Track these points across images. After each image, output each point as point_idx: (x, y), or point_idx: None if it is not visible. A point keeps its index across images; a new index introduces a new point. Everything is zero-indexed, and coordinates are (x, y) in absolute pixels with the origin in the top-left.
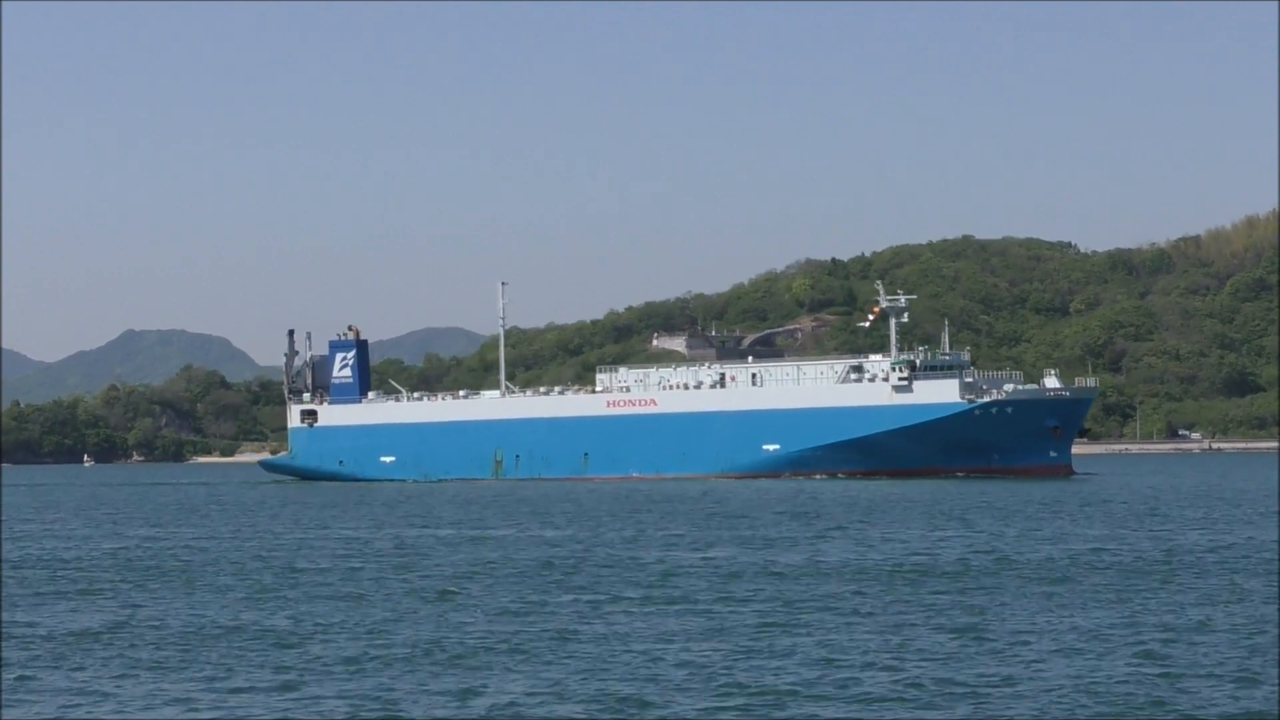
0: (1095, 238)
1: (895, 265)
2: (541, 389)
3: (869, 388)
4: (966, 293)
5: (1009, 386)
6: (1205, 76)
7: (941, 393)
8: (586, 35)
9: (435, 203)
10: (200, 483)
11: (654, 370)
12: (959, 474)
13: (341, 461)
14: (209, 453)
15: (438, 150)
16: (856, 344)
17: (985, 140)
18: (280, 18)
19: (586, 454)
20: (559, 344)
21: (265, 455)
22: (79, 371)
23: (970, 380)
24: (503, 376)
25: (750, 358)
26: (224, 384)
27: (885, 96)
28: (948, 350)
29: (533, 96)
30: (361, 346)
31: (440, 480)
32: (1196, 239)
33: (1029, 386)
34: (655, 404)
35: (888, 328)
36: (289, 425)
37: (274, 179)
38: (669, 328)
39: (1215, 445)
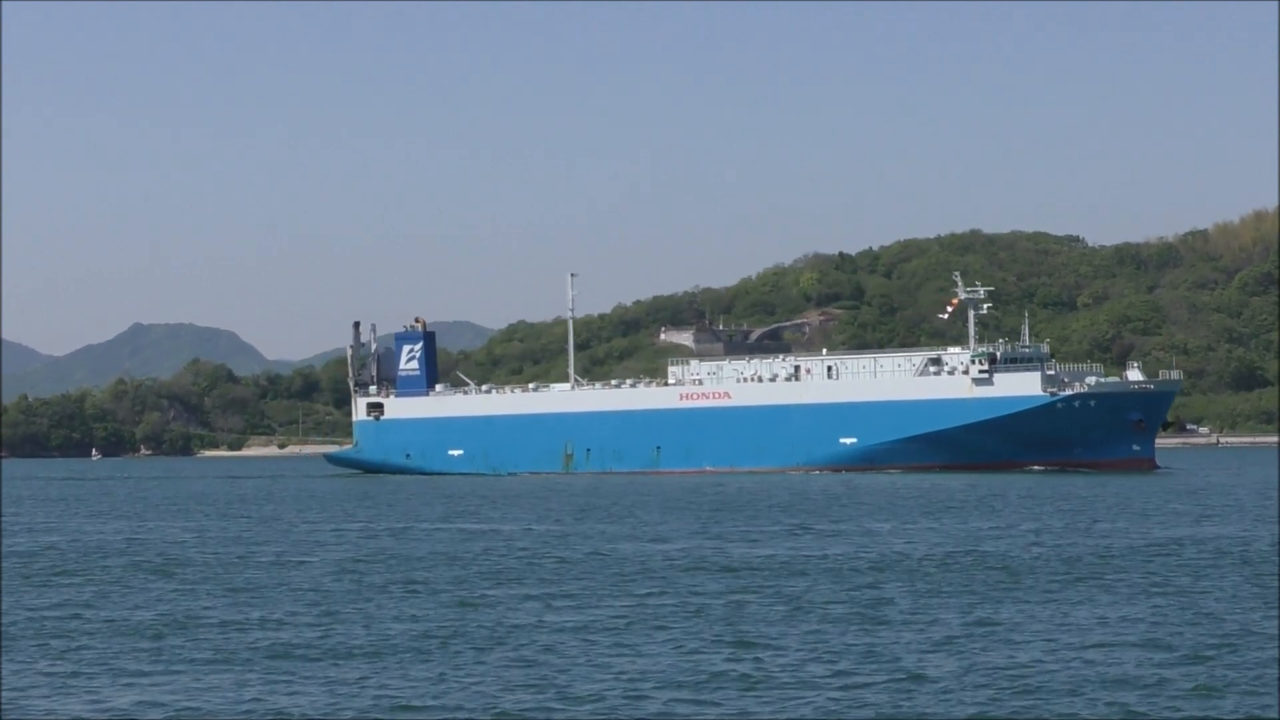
0: (1103, 232)
1: (903, 259)
2: (613, 381)
3: (948, 380)
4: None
5: (1091, 379)
6: (1213, 71)
7: (1023, 385)
8: (593, 31)
9: (438, 198)
10: (266, 476)
11: (727, 362)
12: (1038, 468)
13: (408, 455)
14: (217, 447)
15: (439, 146)
16: (864, 338)
17: (993, 134)
18: (281, 12)
19: (659, 447)
20: (566, 338)
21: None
22: (87, 365)
23: (1052, 373)
24: (571, 369)
25: (750, 355)
26: (232, 378)
27: (893, 90)
28: (1027, 342)
29: (541, 92)
30: (429, 338)
31: (509, 474)
32: (1204, 233)
33: (1111, 379)
34: (729, 397)
35: (965, 319)
36: (354, 418)
37: (280, 173)
38: (676, 322)
39: (1222, 440)
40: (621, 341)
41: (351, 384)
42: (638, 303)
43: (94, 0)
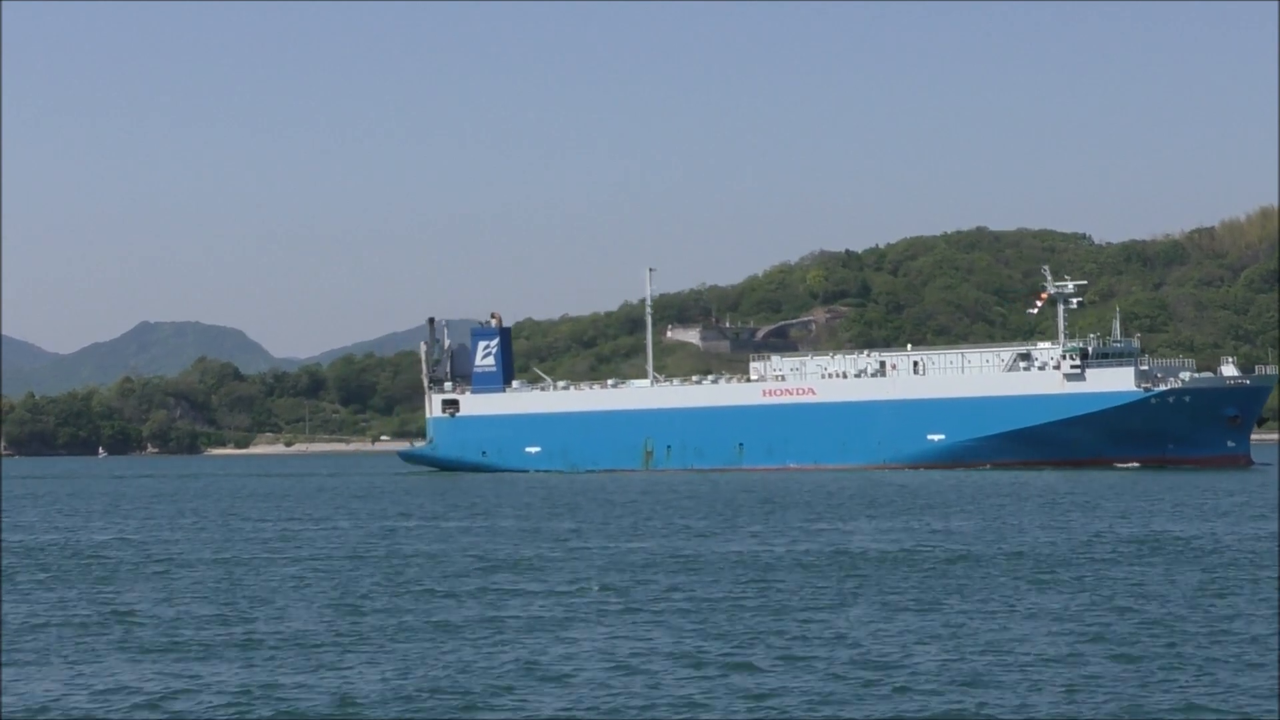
0: (1109, 229)
1: (909, 256)
2: (694, 377)
3: (1039, 376)
4: (981, 284)
5: (1185, 374)
6: (1219, 69)
7: (1117, 381)
8: (599, 29)
9: (439, 193)
10: (331, 474)
11: (810, 358)
12: (1134, 464)
13: (485, 452)
14: (224, 445)
15: (444, 138)
16: (870, 336)
17: (999, 132)
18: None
19: (741, 444)
20: (573, 336)
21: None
22: (93, 363)
23: (1145, 368)
24: (650, 365)
25: (755, 353)
26: (238, 376)
27: (899, 88)
28: (1119, 337)
29: (548, 88)
30: (505, 334)
31: (588, 471)
32: (1210, 230)
33: (1205, 374)
34: (814, 393)
35: (1055, 314)
36: (428, 415)
37: (286, 170)
38: (683, 319)
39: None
40: (628, 339)
41: (426, 380)
42: (643, 300)
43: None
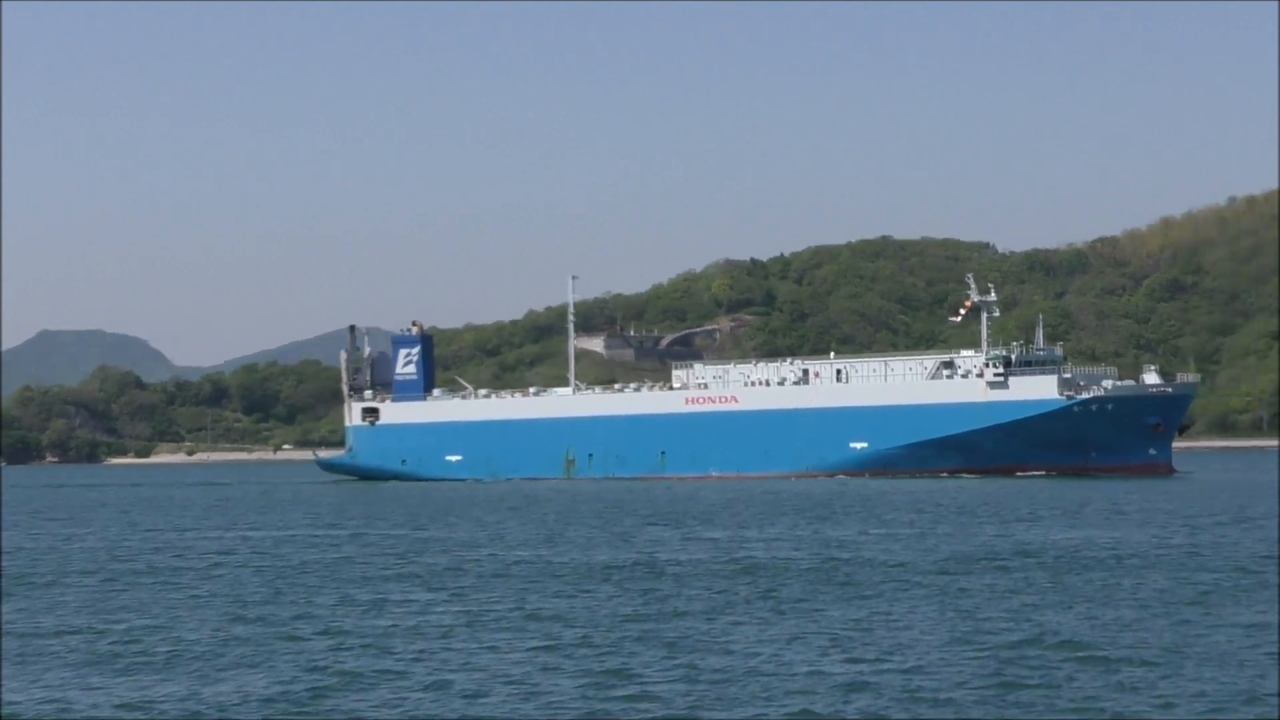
0: (1013, 238)
1: (814, 265)
2: (616, 385)
3: (962, 384)
4: (885, 292)
5: (1107, 383)
6: (1120, 80)
7: (1040, 389)
8: (498, 35)
9: (345, 202)
10: (255, 482)
11: (733, 366)
12: (1053, 472)
13: (405, 460)
14: (125, 454)
15: (354, 148)
16: (774, 344)
17: (904, 141)
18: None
19: (663, 452)
20: (477, 344)
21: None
22: None
23: (1068, 376)
24: (572, 373)
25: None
26: (140, 384)
27: (802, 96)
28: (1042, 346)
29: (445, 93)
30: (426, 342)
31: (509, 480)
32: (1113, 240)
33: (1127, 383)
34: (736, 401)
35: (979, 323)
36: (347, 423)
37: (183, 178)
38: (588, 328)
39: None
40: (533, 348)
41: (345, 388)
42: (549, 308)
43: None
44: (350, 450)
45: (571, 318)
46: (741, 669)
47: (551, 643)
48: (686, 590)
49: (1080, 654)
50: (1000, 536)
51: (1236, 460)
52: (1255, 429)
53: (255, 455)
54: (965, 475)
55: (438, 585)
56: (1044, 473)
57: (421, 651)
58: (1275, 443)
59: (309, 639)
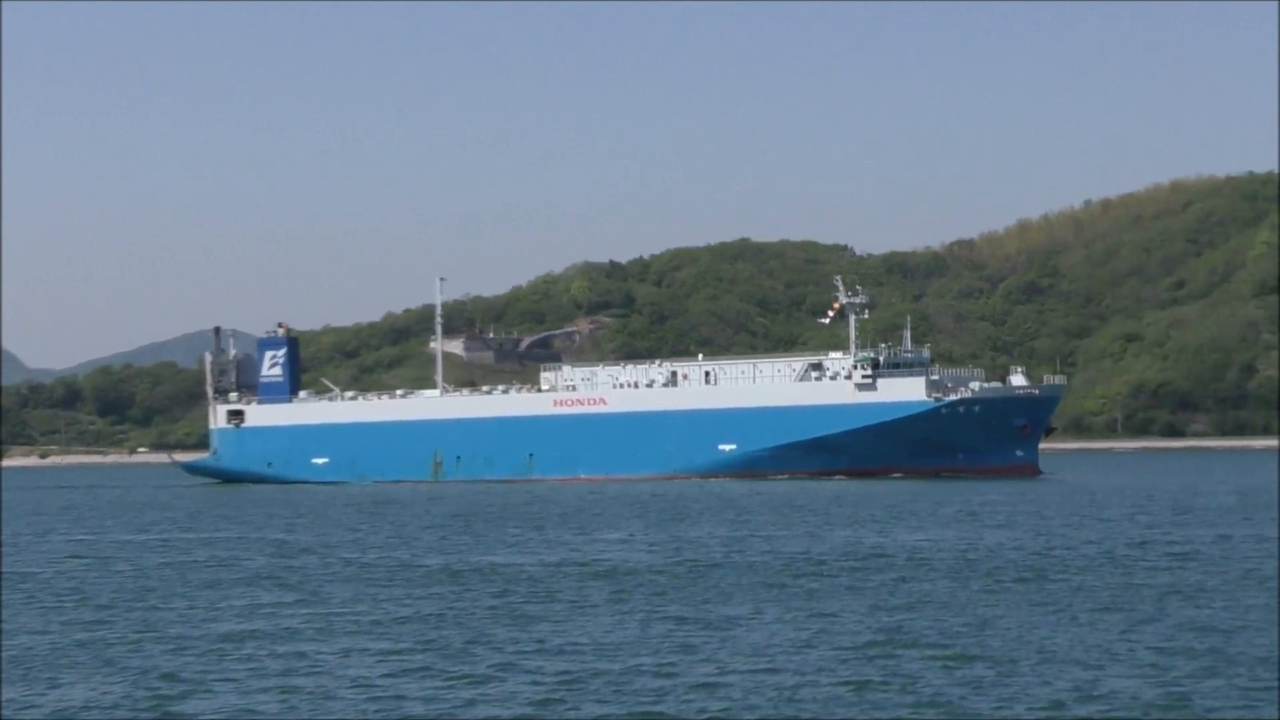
0: (871, 241)
1: (674, 267)
2: (484, 388)
3: (830, 386)
4: (744, 294)
5: (974, 384)
6: (980, 82)
7: (908, 391)
8: (377, 36)
9: (206, 203)
10: (116, 486)
11: (601, 368)
12: (921, 474)
13: (270, 463)
14: None
15: (223, 145)
16: (634, 346)
17: (763, 144)
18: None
19: (531, 455)
20: (335, 347)
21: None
22: None
23: (936, 378)
24: (440, 376)
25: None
26: None
27: (662, 97)
28: (910, 347)
29: (309, 96)
30: (293, 344)
31: (375, 482)
32: (970, 242)
33: (994, 385)
34: (605, 403)
35: (847, 324)
36: (212, 426)
37: (42, 172)
38: (447, 330)
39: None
40: (392, 350)
41: (210, 391)
42: (408, 311)
43: None
44: (215, 453)
45: (439, 320)
46: (589, 670)
47: (399, 645)
48: (535, 591)
49: (928, 653)
50: (855, 539)
51: (1095, 462)
52: (1110, 431)
53: (110, 458)
54: (833, 477)
55: (285, 587)
56: (903, 475)
57: (267, 655)
58: (1130, 445)
59: (152, 644)
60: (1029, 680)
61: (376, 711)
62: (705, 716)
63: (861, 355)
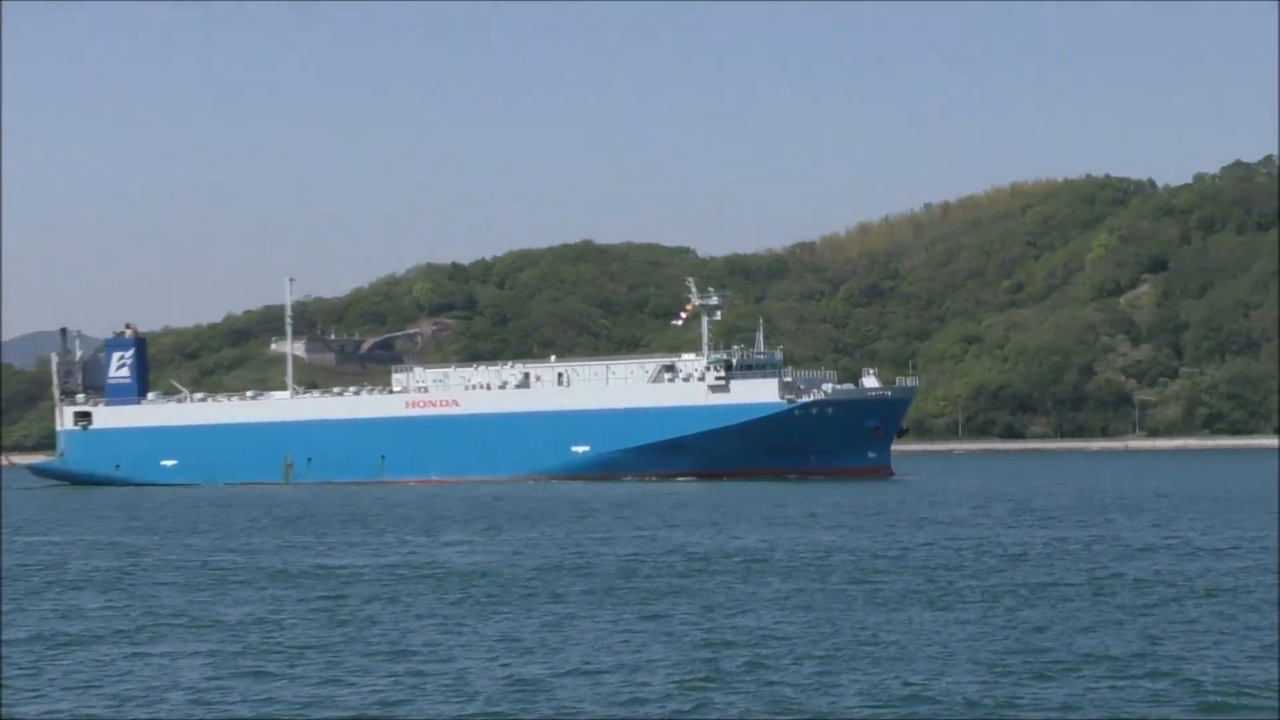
0: (713, 244)
1: (516, 269)
2: (335, 389)
3: (684, 387)
4: (586, 296)
5: (827, 386)
6: (820, 86)
7: (760, 392)
8: (236, 35)
9: (43, 204)
10: None
11: (454, 370)
12: (774, 475)
13: (119, 465)
14: None
15: (60, 141)
16: (476, 348)
17: (607, 145)
18: None
19: (384, 456)
20: (176, 348)
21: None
22: None
23: (789, 380)
24: (290, 377)
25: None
26: None
27: (499, 99)
28: (762, 349)
29: (152, 95)
30: (140, 345)
31: (225, 484)
32: (812, 245)
33: (846, 386)
34: (457, 404)
35: (700, 326)
36: (59, 428)
37: None
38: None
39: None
40: (232, 351)
41: (56, 392)
42: (248, 312)
43: None
44: (62, 455)
45: (289, 320)
46: (426, 671)
47: (228, 648)
48: (368, 595)
49: (766, 651)
50: (687, 540)
51: (940, 464)
52: (951, 433)
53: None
54: (684, 479)
55: (108, 589)
56: (756, 476)
57: (87, 659)
58: (971, 446)
59: None
60: (857, 678)
61: (204, 714)
62: (535, 718)
63: (715, 357)
